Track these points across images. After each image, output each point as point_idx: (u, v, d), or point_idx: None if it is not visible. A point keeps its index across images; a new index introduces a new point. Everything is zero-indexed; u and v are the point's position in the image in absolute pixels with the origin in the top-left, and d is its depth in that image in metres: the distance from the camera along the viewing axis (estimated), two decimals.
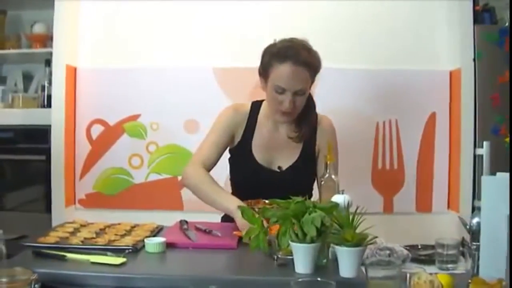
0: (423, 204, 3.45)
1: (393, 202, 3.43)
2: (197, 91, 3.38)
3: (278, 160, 2.33)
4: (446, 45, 3.41)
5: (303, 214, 1.60)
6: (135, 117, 3.41)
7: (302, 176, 2.32)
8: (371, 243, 1.60)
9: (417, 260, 1.84)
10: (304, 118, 2.33)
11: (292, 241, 1.59)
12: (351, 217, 1.64)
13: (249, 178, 2.31)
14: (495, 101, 3.22)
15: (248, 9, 3.38)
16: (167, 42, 3.41)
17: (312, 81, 2.28)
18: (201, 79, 3.39)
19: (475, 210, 3.18)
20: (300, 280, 1.40)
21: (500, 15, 3.36)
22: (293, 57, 2.17)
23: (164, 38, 3.42)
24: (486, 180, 1.54)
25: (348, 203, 1.75)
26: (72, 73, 3.34)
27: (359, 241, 1.55)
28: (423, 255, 1.93)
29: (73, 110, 3.36)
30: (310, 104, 2.36)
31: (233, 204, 2.08)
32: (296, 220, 1.60)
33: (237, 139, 2.36)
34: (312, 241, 1.58)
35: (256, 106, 2.40)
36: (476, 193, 3.22)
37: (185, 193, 3.39)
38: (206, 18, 3.41)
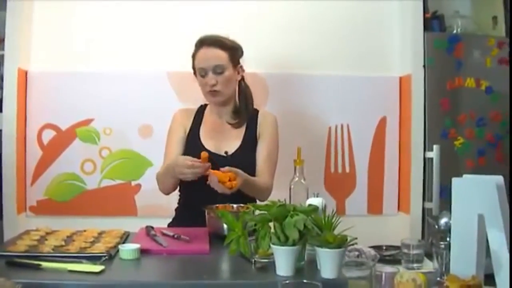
0: (374, 206, 3.54)
1: (345, 205, 3.51)
2: (151, 95, 3.35)
3: (225, 145, 2.51)
4: (397, 52, 3.52)
5: (284, 217, 1.62)
6: (87, 122, 3.34)
7: (247, 159, 2.48)
8: (351, 245, 1.64)
9: (383, 260, 1.90)
10: (243, 106, 2.58)
11: (274, 244, 1.61)
12: (328, 219, 1.68)
13: None
14: (444, 106, 3.35)
15: (202, 12, 3.37)
16: (121, 46, 3.36)
17: (235, 64, 2.53)
18: (155, 84, 3.36)
19: (425, 211, 3.33)
20: (287, 282, 1.42)
21: (449, 23, 3.50)
22: (206, 41, 2.51)
23: (118, 42, 3.36)
24: (455, 181, 1.60)
25: (324, 206, 1.79)
26: (23, 76, 3.24)
27: (341, 243, 1.58)
28: (388, 255, 1.99)
29: (24, 114, 3.26)
30: (247, 92, 2.62)
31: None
32: (278, 223, 1.62)
33: (187, 130, 2.57)
34: (294, 244, 1.60)
35: (202, 106, 2.67)
36: (426, 195, 3.34)
37: (139, 199, 3.36)
38: (160, 22, 3.39)
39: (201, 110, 2.64)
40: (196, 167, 2.16)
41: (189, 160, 2.19)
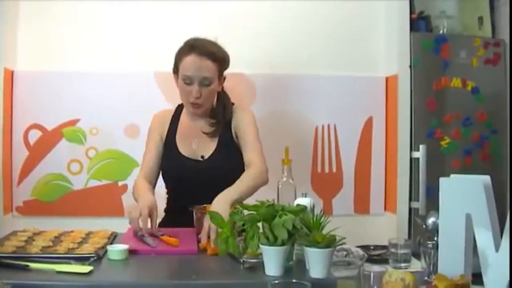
0: (361, 206, 3.55)
1: (332, 204, 3.52)
2: (138, 95, 3.33)
3: (201, 150, 2.47)
4: (383, 52, 3.53)
5: (273, 217, 1.62)
6: (74, 122, 3.32)
7: (224, 161, 2.44)
8: (339, 244, 1.64)
9: (370, 260, 1.91)
10: (220, 115, 2.49)
11: (263, 244, 1.62)
12: (316, 219, 1.68)
13: (176, 169, 2.44)
14: (430, 106, 3.37)
15: (189, 12, 3.37)
16: (108, 46, 3.35)
17: (220, 76, 2.45)
18: (142, 83, 3.35)
19: (411, 211, 3.34)
20: (276, 282, 1.42)
21: (435, 23, 3.52)
22: (197, 49, 2.36)
23: (105, 42, 3.35)
24: (443, 181, 1.61)
25: (313, 206, 1.80)
26: (9, 76, 3.21)
27: (329, 243, 1.59)
28: (375, 255, 2.00)
29: (10, 114, 3.23)
30: (225, 103, 2.53)
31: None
32: (266, 223, 1.62)
33: (164, 135, 2.53)
34: (282, 244, 1.60)
35: (179, 107, 2.60)
36: (412, 195, 3.36)
37: (126, 199, 3.34)
38: (147, 22, 3.38)
39: (178, 111, 2.59)
40: (134, 219, 2.06)
41: (144, 209, 2.08)
